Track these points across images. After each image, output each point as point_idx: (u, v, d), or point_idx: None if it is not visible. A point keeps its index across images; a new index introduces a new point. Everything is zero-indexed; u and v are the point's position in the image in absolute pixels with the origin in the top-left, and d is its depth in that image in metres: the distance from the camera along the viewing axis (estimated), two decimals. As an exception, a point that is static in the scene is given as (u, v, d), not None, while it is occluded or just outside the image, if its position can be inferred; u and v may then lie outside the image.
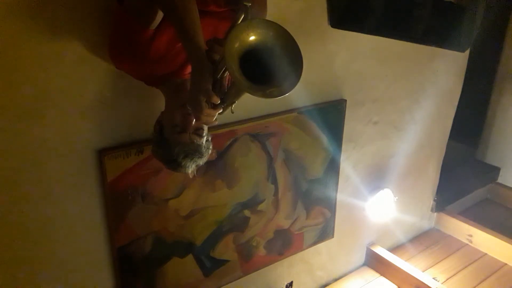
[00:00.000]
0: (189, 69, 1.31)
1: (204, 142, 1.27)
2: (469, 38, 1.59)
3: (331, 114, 2.15)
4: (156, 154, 1.31)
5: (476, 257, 2.90)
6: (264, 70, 0.99)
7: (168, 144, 1.24)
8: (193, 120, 1.22)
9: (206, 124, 1.22)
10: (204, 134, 1.27)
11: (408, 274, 2.55)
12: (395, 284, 2.62)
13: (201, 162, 1.27)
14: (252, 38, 0.96)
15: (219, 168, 1.82)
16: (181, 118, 1.23)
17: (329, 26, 1.95)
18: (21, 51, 1.27)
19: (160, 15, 1.15)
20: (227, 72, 1.05)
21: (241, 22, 0.99)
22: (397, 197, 2.66)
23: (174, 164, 1.24)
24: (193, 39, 1.04)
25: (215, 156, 1.78)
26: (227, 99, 1.08)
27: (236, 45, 0.94)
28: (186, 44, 1.06)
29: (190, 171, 1.26)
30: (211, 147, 1.31)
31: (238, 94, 1.06)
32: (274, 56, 0.99)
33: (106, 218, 1.58)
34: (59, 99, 1.37)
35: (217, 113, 1.09)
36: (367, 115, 2.36)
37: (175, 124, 1.23)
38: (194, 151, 1.23)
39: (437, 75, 2.60)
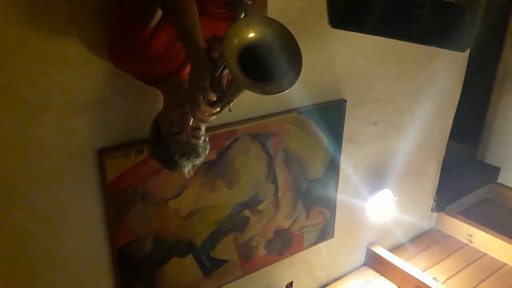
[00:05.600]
0: (187, 69, 1.31)
1: (201, 142, 1.26)
2: (469, 38, 1.59)
3: (331, 114, 2.15)
4: (153, 154, 1.30)
5: (476, 257, 2.90)
6: (263, 67, 0.99)
7: (164, 143, 1.23)
8: (190, 120, 1.22)
9: (202, 122, 1.22)
10: (201, 134, 1.26)
11: (408, 274, 2.55)
12: (395, 284, 2.62)
13: (198, 162, 1.26)
14: (251, 34, 0.96)
15: (219, 168, 1.82)
16: (179, 117, 1.22)
17: (329, 26, 1.96)
18: (21, 51, 1.27)
19: (159, 14, 1.15)
20: (225, 70, 1.05)
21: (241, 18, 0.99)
22: (397, 197, 2.66)
23: (170, 163, 1.23)
24: (192, 37, 1.04)
25: (213, 157, 1.78)
26: (225, 97, 1.08)
27: (235, 40, 0.94)
28: (185, 42, 1.06)
29: (186, 171, 1.26)
30: (208, 147, 1.31)
31: (236, 92, 1.06)
32: (273, 53, 0.99)
33: (106, 218, 1.58)
34: (59, 99, 1.37)
35: (214, 111, 1.09)
36: (367, 115, 2.36)
37: (172, 123, 1.23)
38: (191, 150, 1.23)
39: (437, 75, 2.60)
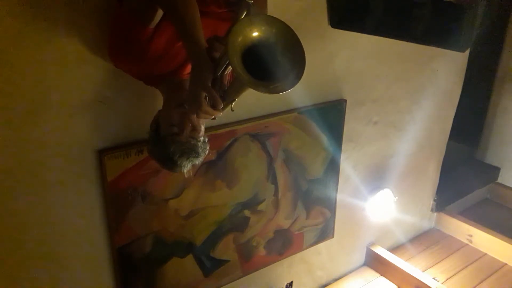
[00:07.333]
0: (188, 69, 1.31)
1: (200, 142, 1.26)
2: (469, 38, 1.58)
3: (331, 114, 2.15)
4: (152, 153, 1.30)
5: (476, 257, 2.90)
6: (265, 66, 0.99)
7: (164, 143, 1.23)
8: (190, 120, 1.22)
9: (205, 118, 1.21)
10: (201, 135, 1.26)
11: (408, 274, 2.55)
12: (395, 284, 2.62)
13: (197, 161, 1.26)
14: (255, 33, 0.96)
15: (219, 168, 1.82)
16: (178, 117, 1.22)
17: (329, 26, 1.96)
18: (21, 51, 1.26)
19: (159, 14, 1.15)
20: (227, 70, 1.05)
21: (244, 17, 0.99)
22: (397, 197, 2.66)
23: (170, 163, 1.23)
24: (193, 36, 1.04)
25: (213, 157, 1.78)
26: (227, 97, 1.07)
27: (239, 39, 0.94)
28: (186, 41, 1.06)
29: (186, 171, 1.26)
30: (208, 147, 1.30)
31: (239, 91, 1.05)
32: (276, 52, 0.99)
33: (106, 218, 1.58)
34: (59, 99, 1.37)
35: (216, 111, 1.09)
36: (367, 115, 2.36)
37: (172, 123, 1.22)
38: (190, 150, 1.22)
39: (437, 75, 2.60)
